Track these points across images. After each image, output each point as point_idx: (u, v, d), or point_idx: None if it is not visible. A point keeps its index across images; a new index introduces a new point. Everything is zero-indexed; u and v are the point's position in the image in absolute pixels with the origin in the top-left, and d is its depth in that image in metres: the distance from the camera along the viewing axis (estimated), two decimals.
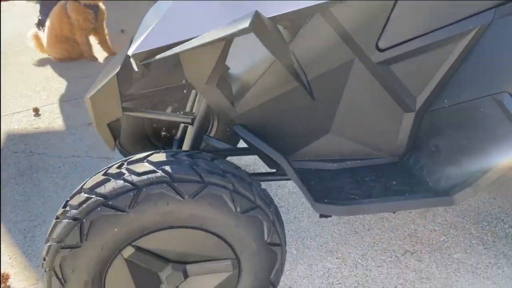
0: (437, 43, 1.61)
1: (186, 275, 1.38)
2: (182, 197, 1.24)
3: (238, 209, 1.31)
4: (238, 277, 1.42)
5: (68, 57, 4.53)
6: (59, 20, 4.33)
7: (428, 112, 1.74)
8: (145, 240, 1.29)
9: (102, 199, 1.22)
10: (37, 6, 6.13)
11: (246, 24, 1.17)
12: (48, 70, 4.38)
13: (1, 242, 2.12)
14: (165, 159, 1.30)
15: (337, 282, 1.87)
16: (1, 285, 1.87)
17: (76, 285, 1.28)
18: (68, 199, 1.31)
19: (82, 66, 4.46)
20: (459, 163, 1.62)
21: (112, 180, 1.26)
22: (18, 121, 3.34)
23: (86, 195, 1.25)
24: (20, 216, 2.31)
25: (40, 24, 5.01)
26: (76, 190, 1.31)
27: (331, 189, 1.68)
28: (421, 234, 2.13)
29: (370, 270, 1.93)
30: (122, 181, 1.24)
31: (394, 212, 1.67)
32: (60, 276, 1.26)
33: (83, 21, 4.32)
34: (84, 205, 1.23)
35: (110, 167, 1.32)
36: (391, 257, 1.99)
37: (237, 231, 1.33)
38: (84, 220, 1.22)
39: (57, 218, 1.29)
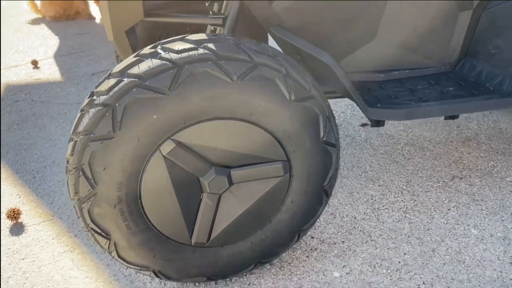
0: None
1: (230, 182, 1.20)
2: (230, 78, 1.06)
3: (293, 97, 1.12)
4: (288, 183, 1.25)
5: (64, 15, 4.28)
6: None
7: (486, 9, 1.56)
8: (187, 134, 1.10)
9: (137, 80, 1.03)
10: None
11: None
12: (44, 29, 4.13)
13: (7, 183, 1.93)
14: (206, 38, 1.11)
15: (383, 208, 1.70)
16: (12, 222, 1.68)
17: (108, 188, 1.09)
18: (94, 88, 1.11)
19: (79, 25, 4.22)
20: None
21: (147, 59, 1.06)
22: (17, 74, 3.11)
23: (117, 78, 1.06)
24: (28, 158, 2.12)
25: None
26: (103, 78, 1.12)
27: (382, 97, 1.50)
28: (467, 161, 1.96)
29: (418, 195, 1.76)
30: (159, 60, 1.05)
31: (454, 118, 1.50)
32: (90, 176, 1.07)
33: None
34: (116, 89, 1.04)
35: (141, 50, 1.13)
36: (438, 183, 1.83)
37: (290, 124, 1.14)
38: (117, 105, 1.03)
39: (82, 110, 1.10)
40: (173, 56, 1.05)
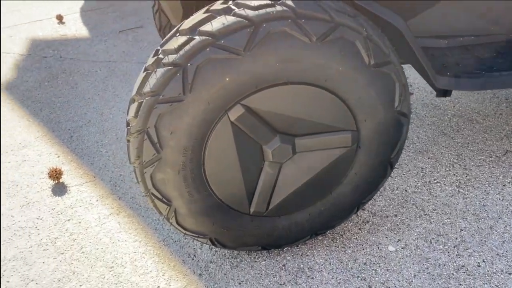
0: None
1: (294, 151, 1.14)
2: (309, 39, 0.97)
3: (372, 62, 1.04)
4: (354, 154, 1.18)
5: None
6: None
7: None
8: (256, 99, 1.03)
9: (210, 38, 0.95)
10: None
11: None
12: None
13: (44, 142, 1.88)
14: None
15: (435, 181, 1.64)
16: (53, 182, 1.64)
17: (174, 153, 1.03)
18: (159, 46, 1.04)
19: None
20: None
21: (220, 16, 0.98)
22: (42, 29, 3.02)
23: (188, 36, 0.98)
24: (62, 116, 2.06)
25: None
26: (168, 35, 1.04)
27: (449, 64, 1.41)
28: None
29: (470, 169, 1.70)
30: (234, 17, 0.96)
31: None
32: (156, 140, 1.01)
33: None
34: (187, 47, 0.96)
35: (212, 4, 1.04)
36: (491, 157, 1.76)
37: (366, 91, 1.07)
38: (188, 65, 0.95)
39: (147, 69, 1.03)
40: (249, 13, 0.96)
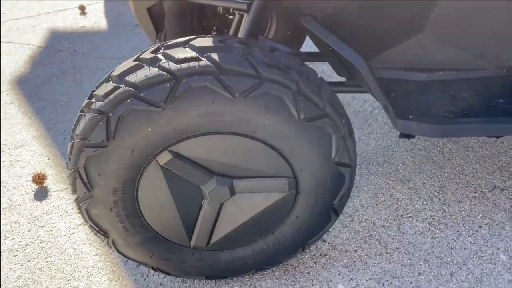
0: None
1: (232, 192, 1.14)
2: (231, 95, 0.96)
3: (302, 116, 1.01)
4: (294, 199, 1.17)
5: None
6: None
7: None
8: (185, 146, 1.04)
9: (132, 89, 0.97)
10: None
11: None
12: None
13: (39, 142, 1.99)
14: (212, 45, 1.01)
15: (407, 215, 1.59)
16: (37, 186, 1.75)
17: (104, 192, 1.07)
18: (95, 88, 1.06)
19: None
20: None
21: (146, 67, 0.99)
22: (63, 19, 3.13)
23: (114, 84, 1.00)
24: (61, 116, 2.16)
25: None
26: (104, 77, 1.06)
27: (418, 104, 1.34)
28: None
29: (449, 205, 1.62)
30: (157, 69, 0.97)
31: (497, 138, 1.32)
32: (86, 180, 1.05)
33: None
34: (112, 96, 0.98)
35: (144, 51, 1.05)
36: (475, 192, 1.67)
37: (298, 144, 1.05)
38: (111, 115, 0.98)
39: (82, 111, 1.06)
40: (172, 66, 0.96)
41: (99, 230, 1.15)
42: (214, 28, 2.03)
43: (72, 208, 1.65)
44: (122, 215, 1.12)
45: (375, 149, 1.90)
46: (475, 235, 1.51)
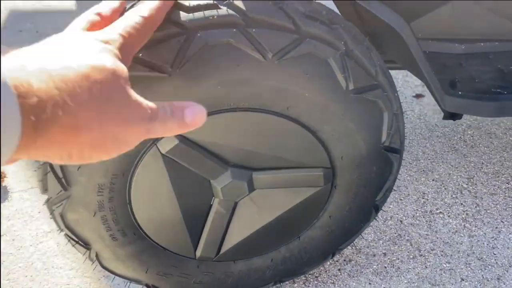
0: None
1: (251, 188, 0.89)
2: (263, 56, 0.71)
3: (351, 86, 0.77)
4: (328, 195, 0.93)
5: None
6: None
7: None
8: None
9: None
10: None
11: None
12: None
13: None
14: None
15: (437, 211, 1.38)
16: None
17: (86, 191, 0.80)
18: None
19: None
20: None
21: None
22: None
23: None
24: None
25: None
26: None
27: (461, 79, 1.12)
28: None
29: (481, 198, 1.43)
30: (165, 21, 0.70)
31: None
32: (60, 175, 0.78)
33: None
34: None
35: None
36: (507, 183, 1.48)
37: (343, 123, 0.81)
38: None
39: None
40: (182, 16, 0.70)
41: (78, 240, 0.88)
42: None
43: (39, 212, 1.36)
44: (109, 221, 0.85)
45: None
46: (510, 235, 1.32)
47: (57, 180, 0.79)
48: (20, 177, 1.48)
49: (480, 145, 1.64)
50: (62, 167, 0.77)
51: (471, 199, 1.43)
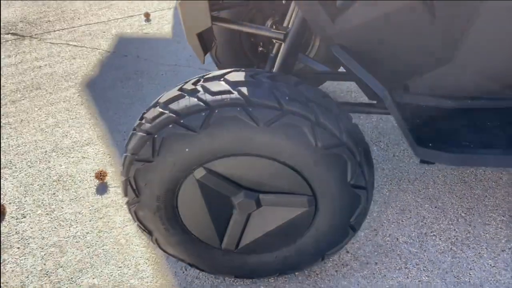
0: None
1: (259, 204, 1.30)
2: (256, 124, 1.11)
3: (319, 144, 1.14)
4: (313, 214, 1.30)
5: None
6: None
7: None
8: (217, 164, 1.20)
9: (174, 116, 1.15)
10: None
11: None
12: None
13: (103, 141, 2.26)
14: (243, 79, 1.16)
15: (431, 233, 1.66)
16: (99, 182, 2.00)
17: (149, 198, 1.27)
18: (145, 111, 1.26)
19: None
20: None
21: (187, 97, 1.16)
22: (130, 25, 3.42)
23: (160, 109, 1.18)
24: (123, 118, 2.42)
25: None
26: (153, 103, 1.25)
27: (441, 131, 1.41)
28: None
29: (474, 226, 1.67)
30: (196, 99, 1.14)
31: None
32: (135, 188, 1.25)
33: None
34: (157, 120, 1.17)
35: (187, 82, 1.22)
36: (503, 216, 1.70)
37: (316, 168, 1.18)
38: (156, 136, 1.16)
39: (134, 129, 1.26)
40: (208, 98, 1.13)
41: (145, 229, 1.35)
42: (261, 43, 2.18)
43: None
44: (163, 218, 1.31)
45: (408, 166, 1.96)
46: (496, 258, 1.55)
47: (133, 191, 1.26)
48: (117, 176, 2.03)
49: (489, 179, 1.86)
50: (136, 183, 1.24)
51: (464, 226, 1.68)
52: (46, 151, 2.21)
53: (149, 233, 1.37)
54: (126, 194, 1.31)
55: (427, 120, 1.46)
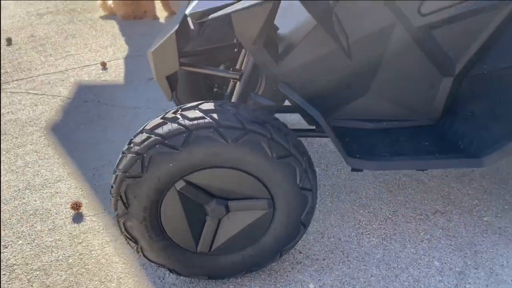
0: (478, 10, 1.65)
1: (228, 210, 1.59)
2: (226, 141, 1.44)
3: (274, 155, 1.48)
4: (272, 215, 1.62)
5: (132, 15, 4.81)
6: None
7: (466, 77, 1.80)
8: (194, 176, 1.50)
9: (160, 138, 1.45)
10: None
11: None
12: (114, 27, 4.69)
13: (73, 178, 2.46)
14: (213, 108, 1.50)
15: (366, 233, 2.03)
16: (74, 212, 2.20)
17: (137, 209, 1.53)
18: (132, 138, 1.54)
19: (144, 25, 4.73)
20: (491, 128, 1.69)
21: (169, 123, 1.47)
22: (88, 74, 3.68)
23: (147, 134, 1.48)
24: (90, 156, 2.64)
25: None
26: (139, 130, 1.54)
27: (365, 146, 1.81)
28: (454, 197, 2.22)
29: (399, 225, 2.06)
30: (176, 125, 1.45)
31: (423, 170, 1.78)
32: (125, 201, 1.51)
33: None
34: (145, 143, 1.46)
35: (167, 112, 1.54)
36: (421, 215, 2.11)
37: (273, 175, 1.51)
38: (144, 155, 1.45)
39: (123, 153, 1.53)
40: (187, 122, 1.45)
41: (131, 238, 1.60)
42: (216, 85, 2.54)
43: (103, 229, 2.10)
44: (148, 227, 1.57)
45: (345, 182, 2.35)
46: (417, 247, 1.94)
47: (123, 204, 1.52)
48: (91, 206, 2.24)
49: (409, 188, 2.29)
50: (126, 197, 1.50)
51: (391, 225, 2.06)
52: (19, 189, 2.37)
53: (135, 241, 1.61)
54: (116, 209, 1.56)
55: (355, 137, 1.87)
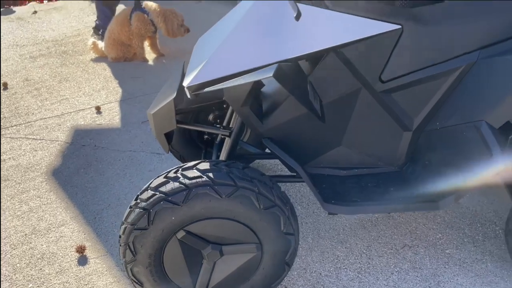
0: (431, 77, 1.97)
1: (222, 254, 1.84)
2: (220, 196, 1.70)
3: (261, 207, 1.75)
4: (260, 257, 1.87)
5: (123, 57, 5.08)
6: (120, 27, 4.87)
7: (423, 132, 2.11)
8: (193, 226, 1.75)
9: (164, 195, 1.70)
10: (93, 5, 6.75)
11: (270, 73, 1.60)
12: (106, 69, 4.94)
13: (76, 221, 2.67)
14: (209, 168, 1.76)
15: (344, 267, 2.29)
16: (79, 255, 2.40)
17: (143, 257, 1.76)
18: (139, 194, 1.79)
19: (135, 67, 5.00)
20: (445, 175, 1.99)
21: (171, 182, 1.73)
22: (84, 117, 3.91)
23: (152, 192, 1.73)
24: (90, 200, 2.86)
25: (98, 28, 5.60)
26: (144, 187, 1.79)
27: (339, 192, 2.09)
28: (420, 231, 2.50)
29: (372, 259, 2.33)
30: (178, 183, 1.71)
31: (389, 213, 2.06)
32: (132, 250, 1.75)
33: (144, 30, 4.84)
34: (151, 200, 1.71)
35: (169, 171, 1.79)
36: (391, 249, 2.38)
37: (260, 223, 1.77)
38: (150, 210, 1.70)
39: (131, 207, 1.78)
40: (187, 181, 1.70)
41: (137, 282, 1.83)
42: (206, 132, 2.81)
43: (106, 270, 2.31)
44: (153, 271, 1.81)
45: (324, 219, 2.62)
46: (388, 280, 2.20)
47: (131, 252, 1.76)
48: (94, 249, 2.45)
49: (381, 224, 2.56)
50: (134, 246, 1.74)
51: (366, 259, 2.33)
52: (25, 234, 2.57)
53: (141, 285, 1.84)
54: (124, 256, 1.79)
55: (330, 184, 2.14)
